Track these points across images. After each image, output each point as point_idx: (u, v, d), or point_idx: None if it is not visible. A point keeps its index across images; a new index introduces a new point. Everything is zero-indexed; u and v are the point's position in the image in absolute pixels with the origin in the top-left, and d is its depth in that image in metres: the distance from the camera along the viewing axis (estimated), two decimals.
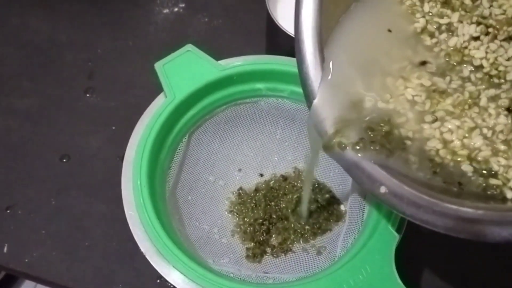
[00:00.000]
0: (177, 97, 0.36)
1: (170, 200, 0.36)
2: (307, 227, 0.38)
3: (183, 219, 0.36)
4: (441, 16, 0.31)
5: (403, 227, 0.31)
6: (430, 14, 0.32)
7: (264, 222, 0.38)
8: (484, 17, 0.30)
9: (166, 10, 0.53)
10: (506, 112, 0.28)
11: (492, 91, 0.29)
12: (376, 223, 0.31)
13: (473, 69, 0.29)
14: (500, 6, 0.31)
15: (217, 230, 0.38)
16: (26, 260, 0.39)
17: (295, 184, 0.40)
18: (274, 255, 0.37)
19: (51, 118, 0.46)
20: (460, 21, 0.31)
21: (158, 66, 0.37)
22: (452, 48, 0.30)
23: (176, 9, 0.53)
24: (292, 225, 0.38)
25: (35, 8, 0.53)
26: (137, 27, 0.52)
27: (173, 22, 0.52)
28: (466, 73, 0.29)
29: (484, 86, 0.29)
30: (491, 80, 0.29)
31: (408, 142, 0.27)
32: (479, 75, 0.29)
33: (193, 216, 0.38)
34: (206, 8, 0.53)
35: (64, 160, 0.43)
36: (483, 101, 0.28)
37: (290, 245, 0.37)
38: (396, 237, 0.30)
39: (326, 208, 0.38)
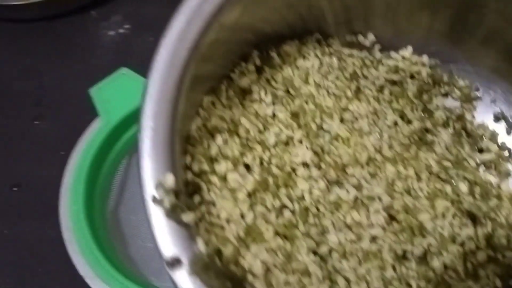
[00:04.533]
0: (111, 120, 0.38)
1: (112, 221, 0.37)
2: None
3: (126, 239, 0.38)
4: (287, 126, 0.33)
5: None
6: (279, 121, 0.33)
7: None
8: (322, 150, 0.33)
9: (111, 32, 0.55)
10: (312, 256, 0.29)
11: (305, 228, 0.30)
12: None
13: (295, 198, 0.31)
14: (337, 149, 0.33)
15: None
16: None
17: None
18: None
19: (0, 147, 0.47)
20: (300, 141, 0.33)
21: (92, 91, 0.39)
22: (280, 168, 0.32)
23: (121, 31, 0.55)
24: None
25: None
26: (83, 51, 0.54)
27: (118, 43, 0.55)
28: (285, 200, 0.31)
29: (300, 220, 0.30)
30: (307, 216, 0.31)
31: None
32: (297, 206, 0.31)
33: (137, 235, 0.39)
34: (152, 28, 0.54)
35: (15, 189, 0.45)
36: (297, 232, 0.30)
37: None
38: None
39: None
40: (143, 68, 0.40)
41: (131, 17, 0.55)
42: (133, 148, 0.40)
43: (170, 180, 0.24)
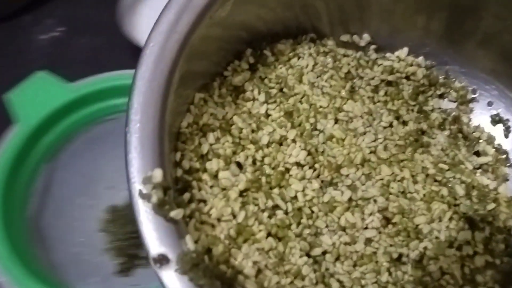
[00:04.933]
0: (28, 125, 0.37)
1: (33, 227, 0.37)
2: None
3: (49, 245, 0.37)
4: (280, 125, 0.32)
5: None
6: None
7: (134, 236, 0.38)
8: (317, 150, 0.32)
9: (44, 36, 0.54)
10: (305, 258, 0.29)
11: (298, 229, 0.30)
12: None
13: (288, 198, 0.30)
14: (332, 149, 0.33)
15: (87, 251, 0.38)
16: None
17: None
18: (145, 266, 0.37)
19: None
20: (294, 141, 0.32)
21: (8, 96, 0.38)
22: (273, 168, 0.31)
23: (55, 34, 0.54)
24: None
25: None
26: (17, 56, 0.53)
27: (50, 47, 0.53)
28: (278, 200, 0.30)
29: (293, 221, 0.30)
30: (301, 217, 0.30)
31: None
32: (290, 206, 0.30)
33: (62, 240, 0.38)
34: (86, 30, 0.53)
35: None
36: (290, 233, 0.29)
37: None
38: None
39: None
40: (74, 70, 0.39)
41: (65, 20, 0.54)
42: (54, 152, 0.39)
43: (158, 175, 0.23)
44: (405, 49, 0.38)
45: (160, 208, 0.22)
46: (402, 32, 0.38)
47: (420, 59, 0.38)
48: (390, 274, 0.30)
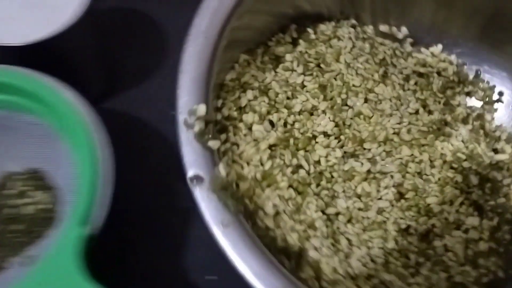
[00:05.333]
0: None
1: None
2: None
3: None
4: (313, 96, 0.35)
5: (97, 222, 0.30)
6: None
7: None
8: (344, 123, 0.35)
9: None
10: (320, 213, 0.32)
11: (317, 189, 0.33)
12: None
13: (311, 161, 0.33)
14: (358, 124, 0.35)
15: None
16: None
17: None
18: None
19: None
20: (324, 112, 0.35)
21: None
22: (302, 133, 0.34)
23: None
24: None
25: None
26: None
27: None
28: (302, 161, 0.33)
29: (313, 181, 0.33)
30: (321, 180, 0.33)
31: None
32: (312, 168, 0.33)
33: None
34: None
35: None
36: (309, 190, 0.32)
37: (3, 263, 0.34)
38: (81, 236, 0.28)
39: None
40: None
41: None
42: None
43: (202, 109, 0.26)
44: (440, 46, 0.41)
45: (201, 137, 0.26)
46: (440, 30, 0.41)
47: (453, 57, 0.41)
48: (396, 242, 0.33)
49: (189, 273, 0.40)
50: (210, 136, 0.26)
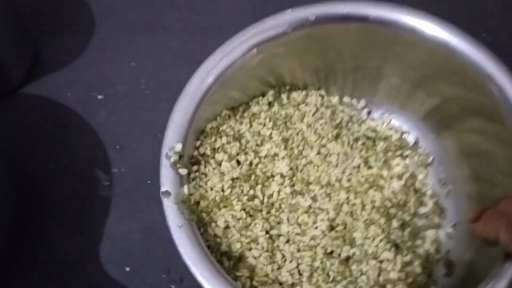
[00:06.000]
0: None
1: None
2: None
3: None
4: (277, 145, 0.47)
5: None
6: None
7: None
8: (297, 168, 0.47)
9: None
10: (264, 233, 0.43)
11: (267, 215, 0.44)
12: None
13: (267, 194, 0.45)
14: (308, 170, 0.47)
15: None
16: None
17: None
18: None
19: None
20: (283, 158, 0.46)
21: None
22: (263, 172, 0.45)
23: None
24: None
25: None
26: None
27: None
28: (258, 193, 0.44)
29: (265, 209, 0.44)
30: (271, 209, 0.44)
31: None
32: (266, 199, 0.44)
33: None
34: None
35: None
36: (259, 215, 0.43)
37: None
38: None
39: None
40: None
41: None
42: None
43: (178, 146, 0.38)
44: (389, 118, 0.52)
45: (174, 166, 0.38)
46: (394, 107, 0.52)
47: (398, 126, 0.52)
48: (321, 262, 0.43)
49: (109, 264, 0.44)
50: (180, 165, 0.38)
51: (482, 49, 0.41)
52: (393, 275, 0.44)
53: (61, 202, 0.47)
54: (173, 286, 0.45)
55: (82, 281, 0.45)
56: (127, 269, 0.45)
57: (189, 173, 0.40)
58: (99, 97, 0.53)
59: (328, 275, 0.43)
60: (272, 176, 0.45)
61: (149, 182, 0.48)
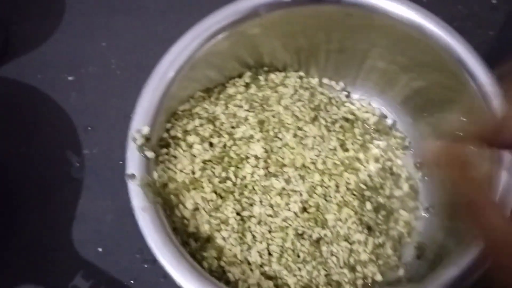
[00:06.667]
0: None
1: None
2: None
3: None
4: (253, 127, 0.46)
5: None
6: None
7: None
8: (272, 150, 0.46)
9: None
10: (235, 214, 0.43)
11: (239, 197, 0.43)
12: None
13: (240, 176, 0.44)
14: (283, 153, 0.46)
15: None
16: None
17: None
18: None
19: None
20: (258, 140, 0.46)
21: None
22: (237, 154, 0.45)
23: None
24: None
25: None
26: None
27: None
28: (231, 175, 0.44)
29: (237, 190, 0.44)
30: (244, 190, 0.44)
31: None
32: (239, 181, 0.44)
33: None
34: None
35: None
36: (231, 197, 0.43)
37: None
38: None
39: None
40: None
41: None
42: None
43: (145, 129, 0.38)
44: (368, 101, 0.52)
45: (140, 149, 0.38)
46: (374, 91, 0.51)
47: (377, 109, 0.51)
48: (292, 243, 0.43)
49: (81, 246, 0.45)
50: (147, 148, 0.38)
51: (455, 35, 0.41)
52: (364, 256, 0.44)
53: (33, 185, 0.47)
54: (146, 266, 0.46)
55: (55, 263, 0.45)
56: (100, 249, 0.46)
57: (158, 156, 0.40)
58: (70, 78, 0.54)
59: (298, 256, 0.43)
60: (247, 158, 0.45)
61: (120, 162, 0.47)
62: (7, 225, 0.46)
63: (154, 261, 0.44)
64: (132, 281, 0.45)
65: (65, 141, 0.49)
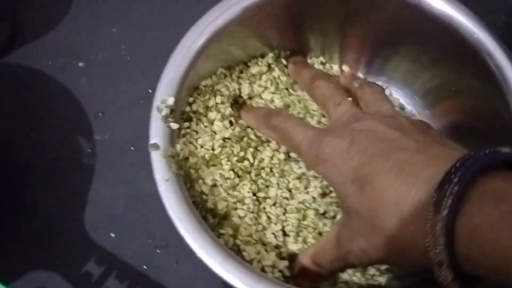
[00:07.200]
0: None
1: None
2: None
3: None
4: None
5: None
6: None
7: None
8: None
9: None
10: (251, 194, 0.42)
11: (255, 178, 0.43)
12: None
13: (258, 158, 0.44)
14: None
15: None
16: None
17: None
18: None
19: None
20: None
21: None
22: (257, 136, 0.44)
23: None
24: None
25: None
26: None
27: None
28: (249, 155, 0.43)
29: (254, 171, 0.43)
30: (261, 172, 0.43)
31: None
32: (257, 162, 0.43)
33: None
34: None
35: None
36: (248, 176, 0.43)
37: None
38: None
39: None
40: None
41: None
42: None
43: (171, 100, 0.37)
44: (389, 91, 0.51)
45: (165, 119, 0.37)
46: (396, 81, 0.51)
47: (396, 100, 0.51)
48: (313, 221, 0.42)
49: (94, 231, 0.45)
50: (172, 120, 0.37)
51: (484, 27, 0.40)
52: None
53: (44, 170, 0.47)
54: (158, 251, 0.45)
55: (67, 248, 0.45)
56: (112, 235, 0.45)
57: (179, 129, 0.39)
58: (80, 64, 0.53)
59: (320, 234, 0.42)
60: (267, 141, 0.44)
61: (132, 148, 0.48)
62: (19, 211, 0.45)
63: (166, 247, 0.44)
64: (144, 266, 0.45)
65: (76, 127, 0.48)
